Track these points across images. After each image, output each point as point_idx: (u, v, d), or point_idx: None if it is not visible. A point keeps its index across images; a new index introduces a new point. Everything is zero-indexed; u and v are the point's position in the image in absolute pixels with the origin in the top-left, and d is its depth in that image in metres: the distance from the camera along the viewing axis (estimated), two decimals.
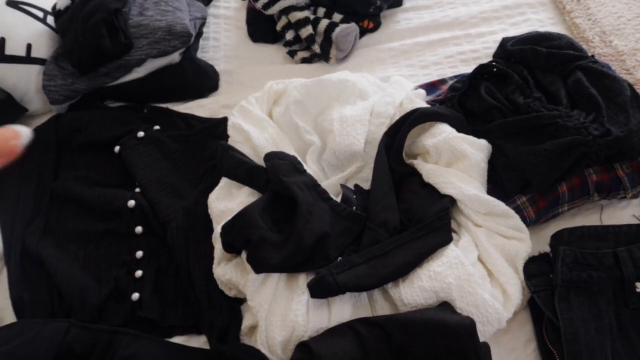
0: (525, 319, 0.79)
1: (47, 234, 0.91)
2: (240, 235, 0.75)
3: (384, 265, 0.75)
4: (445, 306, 0.72)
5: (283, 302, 0.72)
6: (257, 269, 0.73)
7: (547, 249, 0.81)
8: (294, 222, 0.75)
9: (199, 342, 0.79)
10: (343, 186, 0.86)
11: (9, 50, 1.02)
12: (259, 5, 1.13)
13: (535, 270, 0.79)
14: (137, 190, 0.94)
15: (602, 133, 0.80)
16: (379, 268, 0.74)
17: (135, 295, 0.83)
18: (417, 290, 0.73)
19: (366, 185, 0.88)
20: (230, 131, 0.94)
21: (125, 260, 0.88)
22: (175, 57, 1.08)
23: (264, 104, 0.96)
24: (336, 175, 0.89)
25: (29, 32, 1.05)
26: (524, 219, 0.82)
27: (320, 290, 0.72)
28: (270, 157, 0.84)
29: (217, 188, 0.88)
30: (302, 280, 0.74)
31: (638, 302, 0.74)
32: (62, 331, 0.74)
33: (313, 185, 0.82)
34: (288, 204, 0.79)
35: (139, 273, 0.86)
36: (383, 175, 0.84)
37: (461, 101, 0.92)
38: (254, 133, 0.91)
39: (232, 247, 0.78)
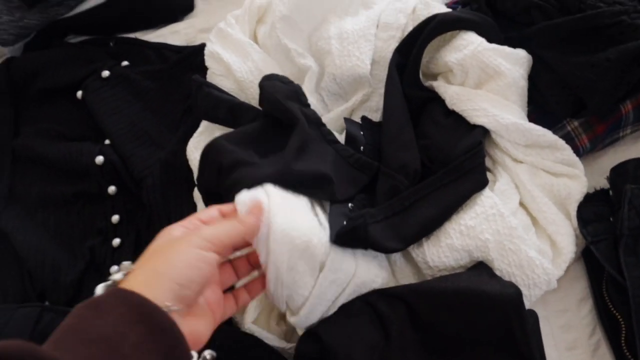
0: (579, 272, 0.65)
1: (11, 201, 0.79)
2: (211, 168, 0.60)
3: (407, 222, 0.60)
4: (482, 269, 0.58)
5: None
6: (232, 189, 0.56)
7: (602, 183, 0.66)
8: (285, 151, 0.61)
9: None
10: (347, 120, 0.70)
11: None
12: None
13: (591, 213, 0.63)
14: (107, 142, 0.80)
15: None
16: (401, 227, 0.59)
17: (114, 268, 0.72)
18: (445, 249, 0.59)
19: (376, 116, 0.72)
20: (208, 62, 0.77)
21: (100, 228, 0.76)
22: None
23: (246, 23, 0.79)
24: (339, 107, 0.72)
25: None
26: (576, 149, 0.66)
27: (347, 240, 0.57)
28: (271, 77, 0.69)
29: (195, 134, 0.74)
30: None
31: None
32: (34, 317, 0.63)
33: (316, 122, 0.66)
34: (281, 136, 0.64)
35: (116, 241, 0.75)
36: (397, 103, 0.67)
37: (491, 1, 0.72)
38: (236, 63, 0.74)
39: (212, 196, 0.63)
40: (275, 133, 0.65)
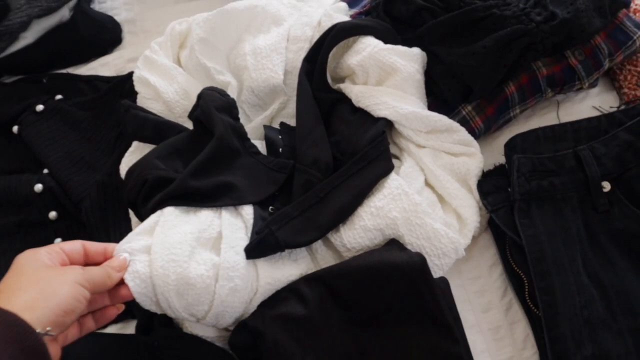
0: (488, 241, 0.72)
1: None
2: (136, 181, 0.65)
3: (322, 213, 0.65)
4: (393, 244, 0.64)
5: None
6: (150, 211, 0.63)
7: (502, 160, 0.73)
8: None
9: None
10: (266, 127, 0.75)
11: None
12: None
13: (491, 186, 0.70)
14: (45, 171, 0.83)
15: (545, 18, 0.69)
16: (317, 218, 0.65)
17: None
18: (359, 231, 0.65)
19: (294, 121, 0.77)
20: (137, 87, 0.82)
21: None
22: (65, 13, 0.94)
23: (169, 49, 0.84)
24: (259, 116, 0.78)
25: None
26: (472, 131, 0.73)
27: (258, 252, 0.63)
28: (212, 88, 0.75)
29: (127, 153, 0.78)
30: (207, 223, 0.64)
31: (606, 203, 0.66)
32: None
33: (242, 136, 0.71)
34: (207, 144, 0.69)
35: None
36: (307, 106, 0.73)
37: (387, 8, 0.80)
38: (162, 86, 0.79)
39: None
40: (203, 141, 0.70)
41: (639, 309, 0.62)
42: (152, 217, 0.63)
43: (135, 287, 0.57)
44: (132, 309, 0.70)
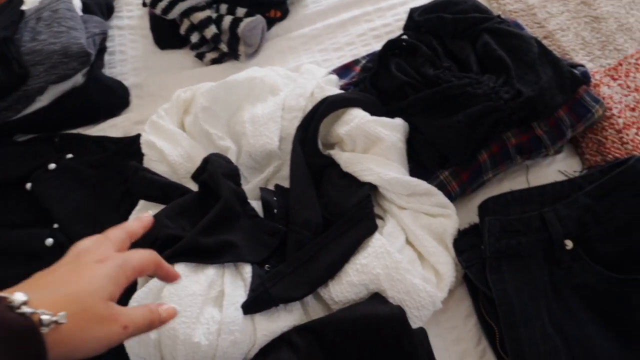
0: (463, 294, 0.78)
1: None
2: (148, 240, 0.71)
3: (312, 270, 0.72)
4: (376, 298, 0.70)
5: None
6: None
7: (476, 220, 0.80)
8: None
9: None
10: (262, 189, 0.83)
11: None
12: (158, 11, 1.08)
13: (465, 244, 0.77)
14: (55, 226, 0.90)
15: (513, 95, 0.78)
16: (308, 274, 0.72)
17: None
18: (346, 286, 0.71)
19: (287, 183, 0.85)
20: (144, 149, 0.89)
21: None
22: (78, 79, 1.02)
23: (174, 115, 0.92)
24: (256, 178, 0.86)
25: None
26: (448, 194, 0.80)
27: (254, 308, 0.69)
28: (218, 155, 0.82)
29: (134, 211, 0.85)
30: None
31: (569, 260, 0.73)
32: None
33: (243, 200, 0.79)
34: (213, 206, 0.76)
35: None
36: (300, 171, 0.81)
37: (373, 81, 0.89)
38: (168, 149, 0.87)
39: None
40: (207, 203, 0.77)
41: (599, 356, 0.68)
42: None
43: (131, 349, 0.64)
44: None
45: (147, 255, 0.51)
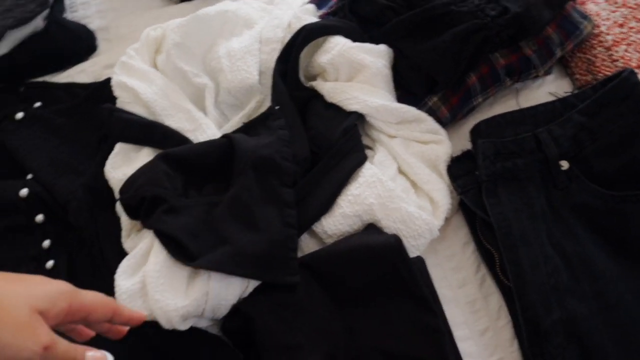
0: (460, 221, 0.76)
1: None
2: (137, 193, 0.68)
3: (304, 211, 0.69)
4: (370, 228, 0.69)
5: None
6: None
7: (468, 145, 0.78)
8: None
9: None
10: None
11: None
12: None
13: (460, 170, 0.75)
14: (30, 176, 0.85)
15: (499, 12, 0.74)
16: (304, 213, 0.69)
17: None
18: (339, 218, 0.69)
19: None
20: (116, 91, 0.84)
21: (33, 255, 0.80)
22: (38, 23, 0.95)
23: (145, 54, 0.87)
24: (237, 115, 0.82)
25: None
26: (439, 120, 0.77)
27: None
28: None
29: (111, 155, 0.80)
30: None
31: (565, 180, 0.72)
32: None
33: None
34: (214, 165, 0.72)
35: (50, 264, 0.78)
36: (284, 105, 0.77)
37: (353, 8, 0.84)
38: (141, 88, 0.82)
39: (133, 210, 0.71)
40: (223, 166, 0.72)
41: (599, 273, 0.67)
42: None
43: None
44: None
45: (102, 299, 0.48)
